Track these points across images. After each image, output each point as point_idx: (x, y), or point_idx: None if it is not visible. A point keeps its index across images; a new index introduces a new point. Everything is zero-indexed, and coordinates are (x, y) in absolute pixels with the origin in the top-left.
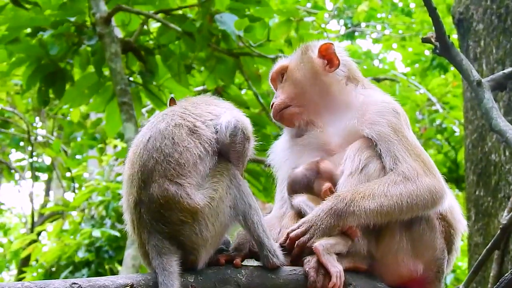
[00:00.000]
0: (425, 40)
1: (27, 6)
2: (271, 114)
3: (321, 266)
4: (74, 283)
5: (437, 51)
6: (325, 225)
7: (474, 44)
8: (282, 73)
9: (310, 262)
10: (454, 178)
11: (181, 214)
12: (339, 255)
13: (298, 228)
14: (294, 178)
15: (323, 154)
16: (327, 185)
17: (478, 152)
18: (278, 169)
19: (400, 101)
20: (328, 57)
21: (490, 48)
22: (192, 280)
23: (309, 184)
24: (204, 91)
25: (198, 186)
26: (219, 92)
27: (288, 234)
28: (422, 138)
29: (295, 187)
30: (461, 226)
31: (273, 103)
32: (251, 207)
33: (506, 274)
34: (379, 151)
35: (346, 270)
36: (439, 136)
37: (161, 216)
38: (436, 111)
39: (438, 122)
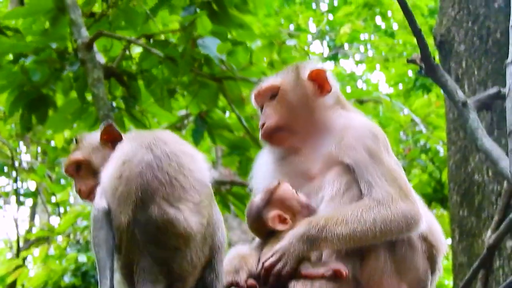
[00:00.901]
0: (411, 61)
1: (8, 33)
2: (260, 134)
3: None
4: None
5: (422, 72)
6: (298, 252)
7: (456, 66)
8: (273, 92)
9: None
10: (439, 198)
11: (176, 239)
12: (325, 280)
13: (271, 257)
14: (247, 212)
15: (302, 181)
16: (273, 213)
17: (461, 172)
18: (257, 187)
19: (384, 122)
20: (320, 82)
21: (472, 69)
22: None
23: (260, 216)
24: (187, 116)
25: (193, 211)
26: (202, 117)
27: (263, 263)
28: (407, 159)
29: (249, 223)
30: (443, 246)
31: (263, 123)
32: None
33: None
34: (356, 177)
35: None
36: (423, 156)
37: (157, 240)
38: (420, 131)
39: (422, 142)
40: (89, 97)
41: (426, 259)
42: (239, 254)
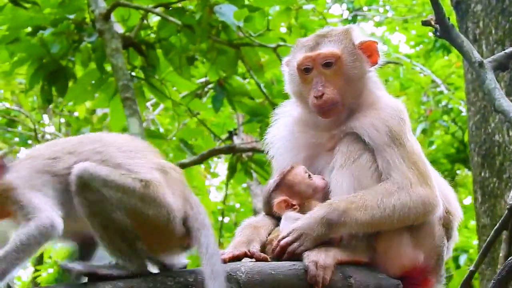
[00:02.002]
0: (425, 23)
1: (26, 5)
2: (317, 104)
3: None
4: None
5: (438, 33)
6: (316, 234)
7: (473, 26)
8: (331, 60)
9: (309, 256)
10: (462, 158)
11: None
12: (340, 248)
13: (288, 236)
14: (262, 194)
15: (319, 153)
16: (279, 199)
17: (481, 133)
18: (276, 159)
19: (405, 84)
20: (369, 52)
21: (489, 29)
22: (192, 280)
23: (269, 200)
24: (207, 83)
25: None
26: (221, 84)
27: (278, 241)
28: (428, 120)
29: (262, 205)
30: (458, 213)
31: (322, 94)
32: None
33: (510, 257)
34: (375, 156)
35: (346, 263)
36: (445, 117)
37: None
38: (441, 92)
39: (444, 103)
40: (108, 67)
41: (441, 226)
42: (252, 225)
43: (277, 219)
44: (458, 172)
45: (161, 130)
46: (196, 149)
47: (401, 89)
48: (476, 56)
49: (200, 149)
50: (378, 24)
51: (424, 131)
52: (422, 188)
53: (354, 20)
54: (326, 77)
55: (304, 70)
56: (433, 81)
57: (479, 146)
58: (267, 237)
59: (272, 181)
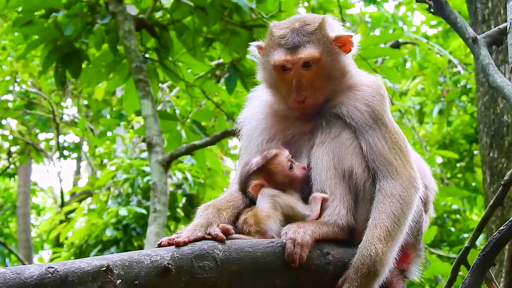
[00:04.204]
0: (420, 0)
1: None
2: (298, 107)
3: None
4: (50, 267)
5: (431, 10)
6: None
7: (482, 6)
8: (309, 62)
9: (287, 234)
10: None
11: None
12: (318, 226)
13: None
14: (241, 170)
15: (300, 136)
16: (257, 182)
17: (490, 114)
18: (248, 138)
19: (422, 64)
20: (343, 43)
21: (498, 9)
22: (169, 258)
23: (246, 180)
24: (220, 65)
25: None
26: (235, 65)
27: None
28: (445, 100)
29: (238, 181)
30: (433, 185)
31: (304, 99)
32: None
33: (494, 233)
34: (355, 134)
35: (325, 240)
36: (464, 97)
37: None
38: (458, 73)
39: (462, 83)
40: (121, 49)
41: (420, 201)
42: (215, 206)
43: (248, 198)
44: (476, 152)
45: (177, 111)
46: (212, 131)
47: (419, 69)
48: (470, 32)
49: (216, 131)
50: (398, 6)
51: (441, 112)
52: (405, 170)
53: (374, 1)
54: (306, 78)
55: (282, 68)
56: (449, 62)
57: (488, 126)
58: (230, 219)
59: (253, 163)
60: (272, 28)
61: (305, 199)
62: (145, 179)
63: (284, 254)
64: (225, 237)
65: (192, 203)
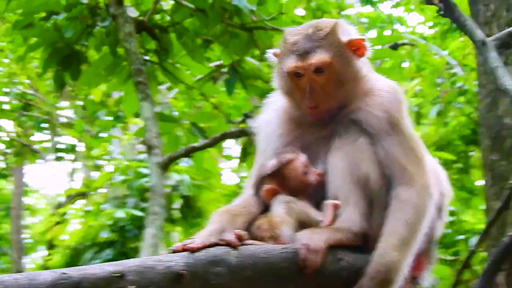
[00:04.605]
0: (428, 2)
1: None
2: (311, 114)
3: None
4: (64, 273)
5: (441, 12)
6: None
7: (484, 8)
8: (321, 67)
9: (301, 240)
10: (476, 140)
11: None
12: (332, 232)
13: None
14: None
15: (317, 142)
16: (269, 186)
17: (491, 116)
18: (263, 144)
19: (420, 65)
20: (356, 47)
21: (500, 11)
22: (182, 264)
23: (260, 184)
24: (220, 66)
25: None
26: (234, 67)
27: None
28: (443, 102)
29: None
30: (447, 190)
31: (316, 105)
32: None
33: (504, 238)
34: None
35: (338, 246)
36: (461, 99)
37: None
38: (456, 74)
39: (459, 84)
40: (121, 52)
41: (434, 207)
42: (230, 212)
43: (263, 203)
44: (472, 153)
45: (176, 113)
46: (210, 132)
47: (417, 70)
48: (479, 34)
49: (214, 133)
50: (396, 6)
51: (439, 113)
52: (421, 178)
53: (371, 1)
54: (318, 83)
55: (295, 75)
56: (448, 63)
57: (489, 128)
58: (244, 226)
59: (268, 166)
60: (286, 34)
61: (319, 204)
62: (142, 180)
63: (298, 260)
64: (238, 243)
65: (189, 205)
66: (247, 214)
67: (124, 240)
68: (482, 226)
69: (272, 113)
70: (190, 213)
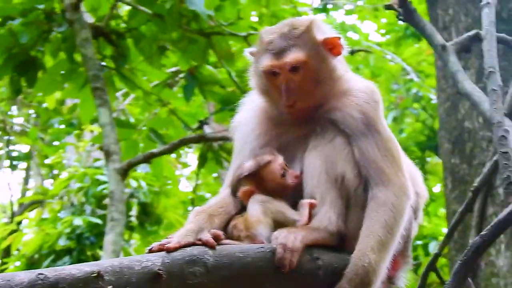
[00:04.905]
0: (388, 7)
1: None
2: (289, 112)
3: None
4: (40, 274)
5: (401, 17)
6: None
7: (443, 13)
8: (296, 66)
9: (278, 239)
10: (432, 145)
11: None
12: (309, 231)
13: None
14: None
15: (294, 142)
16: (246, 188)
17: (451, 120)
18: (242, 142)
19: (375, 72)
20: (332, 46)
21: (458, 16)
22: (160, 263)
23: (237, 186)
24: (178, 72)
25: None
26: (192, 73)
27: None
28: (399, 108)
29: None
30: (424, 192)
31: (293, 103)
32: None
33: (476, 238)
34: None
35: (314, 245)
36: (416, 105)
37: None
38: (411, 80)
39: (414, 90)
40: (78, 58)
41: (410, 208)
42: (207, 212)
43: (240, 202)
44: (428, 159)
45: (131, 120)
46: (166, 139)
47: (372, 77)
48: (439, 39)
49: (171, 139)
50: (349, 12)
51: (395, 119)
52: (398, 178)
53: (325, 9)
54: (295, 82)
55: (271, 74)
56: (403, 69)
57: (449, 132)
58: (221, 225)
59: (245, 168)
60: (262, 33)
61: (296, 204)
62: (99, 188)
63: (274, 259)
64: (215, 243)
65: (146, 212)
66: (224, 214)
67: (82, 247)
68: (441, 231)
69: (249, 112)
70: (148, 220)
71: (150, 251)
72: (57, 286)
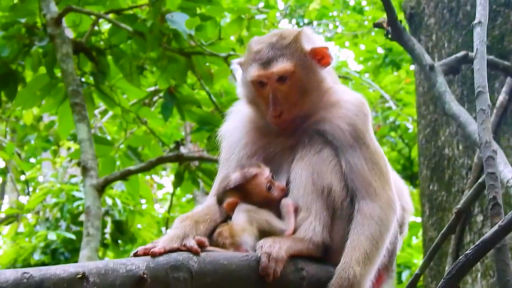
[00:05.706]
0: (377, 25)
1: None
2: (276, 123)
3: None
4: (26, 273)
5: (389, 36)
6: None
7: (426, 39)
8: (284, 76)
9: (262, 248)
10: (408, 175)
11: None
12: (294, 241)
13: None
14: (221, 185)
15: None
16: (231, 200)
17: (431, 146)
18: (229, 151)
19: None
20: (320, 56)
21: (442, 42)
22: (144, 267)
23: (222, 197)
24: (157, 92)
25: None
26: (171, 92)
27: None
28: (376, 136)
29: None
30: (410, 206)
31: (280, 113)
32: None
33: (460, 257)
34: (337, 152)
35: (299, 256)
36: (392, 134)
37: None
38: (389, 108)
39: (391, 119)
40: (58, 73)
41: (396, 222)
42: (192, 218)
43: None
44: None
45: (108, 138)
46: (143, 158)
47: None
48: (427, 59)
49: (147, 158)
50: (328, 39)
51: None
52: (385, 192)
53: None
54: (282, 92)
55: (258, 84)
56: (381, 97)
57: (429, 159)
58: (206, 232)
59: (231, 179)
60: (251, 43)
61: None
62: (75, 204)
63: (258, 268)
64: (200, 250)
65: (120, 230)
66: (209, 221)
67: (56, 262)
68: (413, 262)
69: (237, 122)
70: (122, 238)
71: (135, 254)
72: (42, 285)
